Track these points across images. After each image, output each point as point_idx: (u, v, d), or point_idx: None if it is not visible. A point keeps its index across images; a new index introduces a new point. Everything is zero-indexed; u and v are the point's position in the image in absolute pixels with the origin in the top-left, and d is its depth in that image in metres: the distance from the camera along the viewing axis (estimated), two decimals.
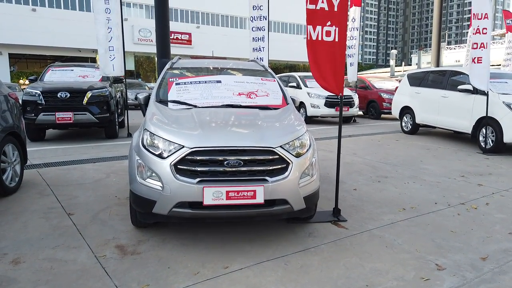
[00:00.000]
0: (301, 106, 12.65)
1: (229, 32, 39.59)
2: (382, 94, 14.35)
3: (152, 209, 3.11)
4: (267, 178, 3.09)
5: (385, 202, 4.53)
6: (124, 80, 9.77)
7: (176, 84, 4.14)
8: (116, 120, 9.12)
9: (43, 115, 7.94)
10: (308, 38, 3.71)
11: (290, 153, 3.18)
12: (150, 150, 3.17)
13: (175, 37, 36.57)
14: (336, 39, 3.68)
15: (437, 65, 17.18)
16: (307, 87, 12.94)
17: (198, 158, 3.02)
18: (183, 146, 3.04)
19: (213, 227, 3.66)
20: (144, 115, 4.13)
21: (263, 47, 10.51)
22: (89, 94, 8.19)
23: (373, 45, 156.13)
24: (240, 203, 3.01)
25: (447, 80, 9.12)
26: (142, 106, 4.19)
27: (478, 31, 7.36)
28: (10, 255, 3.08)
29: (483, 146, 7.85)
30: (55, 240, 3.36)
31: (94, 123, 8.36)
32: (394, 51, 52.35)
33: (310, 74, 12.95)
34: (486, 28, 7.37)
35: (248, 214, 3.10)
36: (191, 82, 4.18)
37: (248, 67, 4.74)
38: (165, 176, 3.03)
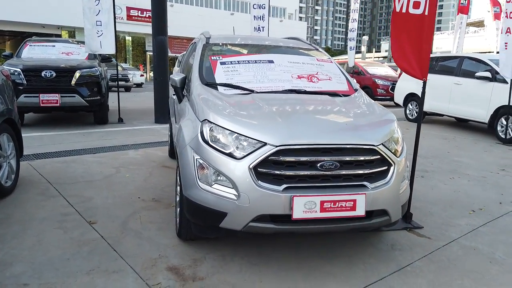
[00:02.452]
0: None
1: (205, 12, 38.05)
2: (376, 80, 13.95)
3: (220, 222, 2.43)
4: (366, 184, 2.46)
5: (446, 202, 4.03)
6: (112, 60, 8.76)
7: (221, 63, 3.40)
8: (107, 103, 8.16)
9: (25, 97, 6.88)
10: (393, 10, 3.07)
11: (391, 152, 2.57)
12: (217, 147, 2.46)
13: (146, 15, 34.82)
14: (426, 12, 3.05)
15: None
16: None
17: (285, 159, 2.35)
18: (265, 144, 2.36)
19: (272, 237, 3.01)
20: (180, 99, 3.38)
21: (263, 27, 9.79)
22: (77, 73, 7.19)
23: (342, 31, 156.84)
24: (337, 216, 2.38)
25: (460, 66, 8.74)
26: (178, 90, 3.43)
27: (507, 14, 6.94)
28: (33, 286, 2.31)
29: (503, 136, 7.54)
30: (86, 260, 2.62)
31: (83, 107, 7.39)
32: (365, 37, 52.35)
33: None
34: None
35: (343, 228, 2.48)
36: (238, 61, 3.45)
37: (295, 45, 4.05)
38: (241, 182, 2.34)
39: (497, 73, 7.79)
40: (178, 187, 2.90)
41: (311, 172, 2.38)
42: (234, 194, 2.37)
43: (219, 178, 2.43)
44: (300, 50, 3.91)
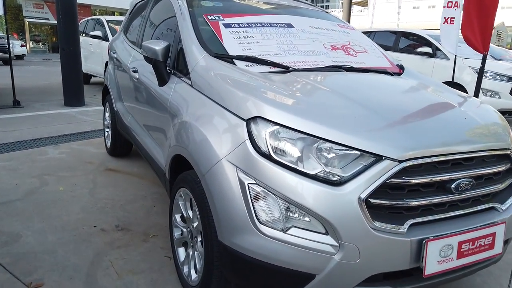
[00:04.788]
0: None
1: None
2: None
3: None
4: (496, 206, 1.70)
5: None
6: None
7: (226, 26, 2.30)
8: None
9: None
10: None
11: None
12: (290, 164, 1.45)
13: None
14: None
15: None
16: None
17: (411, 181, 1.45)
18: (381, 158, 1.42)
19: None
20: (163, 80, 2.25)
21: None
22: None
23: None
24: (475, 260, 1.58)
25: (397, 42, 8.57)
26: (160, 65, 2.25)
27: None
28: None
29: None
30: None
31: None
32: None
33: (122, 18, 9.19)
34: None
35: (472, 271, 1.70)
36: (248, 23, 2.37)
37: (301, 5, 3.07)
38: (345, 223, 1.39)
39: (438, 49, 7.74)
40: (198, 225, 1.81)
41: (442, 197, 1.53)
42: (332, 245, 1.41)
43: (295, 216, 1.44)
44: (313, 12, 2.95)
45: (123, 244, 2.37)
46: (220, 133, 1.67)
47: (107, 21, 8.88)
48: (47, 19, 31.53)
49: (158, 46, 2.21)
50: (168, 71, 2.31)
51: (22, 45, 22.79)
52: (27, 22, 32.09)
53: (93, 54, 9.09)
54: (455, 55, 7.11)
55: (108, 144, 4.00)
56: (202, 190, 1.71)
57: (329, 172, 1.42)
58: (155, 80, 2.39)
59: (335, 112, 1.59)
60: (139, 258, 2.24)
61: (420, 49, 7.88)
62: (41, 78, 11.48)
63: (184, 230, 2.01)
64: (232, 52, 2.12)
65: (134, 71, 2.88)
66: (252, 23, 2.39)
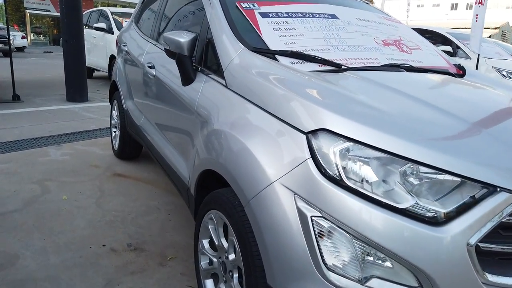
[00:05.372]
0: (112, 62, 7.89)
1: None
2: None
3: None
4: None
5: None
6: None
7: (263, 15, 1.94)
8: None
9: None
10: None
11: None
12: (369, 194, 1.11)
13: None
14: None
15: None
16: None
17: None
18: (496, 189, 1.08)
19: None
20: (189, 78, 1.91)
21: None
22: None
23: None
24: None
25: None
26: (186, 60, 1.90)
27: None
28: None
29: None
30: None
31: None
32: None
33: (130, 11, 9.08)
34: None
35: None
36: (287, 13, 2.02)
37: None
38: (447, 275, 1.06)
39: (458, 47, 7.40)
40: (236, 259, 1.47)
41: None
42: None
43: (377, 262, 1.10)
44: (353, 1, 2.59)
45: (138, 268, 2.04)
46: (270, 147, 1.32)
47: (112, 13, 8.51)
48: (49, 10, 31.13)
49: (184, 38, 1.87)
50: (194, 67, 1.97)
51: (22, 37, 22.39)
52: (28, 14, 31.70)
53: (96, 47, 8.73)
54: (478, 55, 6.77)
55: (116, 146, 3.66)
56: (244, 218, 1.36)
57: (424, 206, 1.08)
58: (177, 77, 2.04)
59: (422, 125, 1.24)
60: (155, 285, 1.91)
61: (440, 48, 7.53)
62: (42, 71, 11.12)
63: (214, 259, 1.67)
64: (273, 46, 1.77)
65: (150, 67, 2.53)
66: (292, 12, 2.04)
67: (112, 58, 8.05)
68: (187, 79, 1.94)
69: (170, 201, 2.86)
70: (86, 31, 8.43)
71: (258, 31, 1.84)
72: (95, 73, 9.88)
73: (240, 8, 1.97)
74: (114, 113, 3.74)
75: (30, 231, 2.32)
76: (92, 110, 5.83)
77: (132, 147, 3.50)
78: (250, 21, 1.89)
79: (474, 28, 6.67)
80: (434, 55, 2.27)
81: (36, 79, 9.10)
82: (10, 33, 7.49)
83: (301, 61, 1.71)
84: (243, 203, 1.37)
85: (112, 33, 8.04)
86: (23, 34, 23.60)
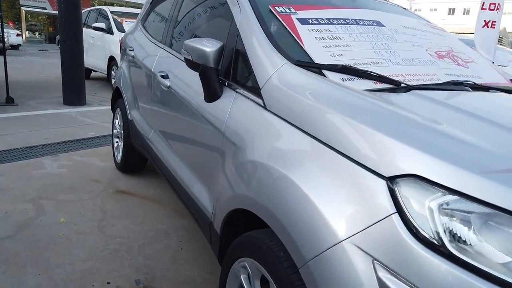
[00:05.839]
0: (111, 64, 7.74)
1: None
2: None
3: None
4: None
5: None
6: None
7: (302, 22, 1.66)
8: None
9: None
10: None
11: None
12: (486, 270, 0.82)
13: None
14: None
15: None
16: (124, 32, 7.34)
17: None
18: None
19: None
20: (214, 94, 1.62)
21: None
22: None
23: None
24: None
25: None
26: (211, 73, 1.62)
27: None
28: None
29: None
30: None
31: None
32: None
33: (130, 10, 8.92)
34: None
35: None
36: (328, 19, 1.74)
37: None
38: None
39: None
40: None
41: None
42: None
43: None
44: (391, 6, 2.32)
45: None
46: (335, 193, 1.03)
47: (111, 12, 8.19)
48: (45, 8, 30.64)
49: (209, 47, 1.58)
50: (220, 81, 1.68)
51: (17, 35, 21.94)
52: (23, 11, 31.19)
53: (95, 48, 8.41)
54: (492, 62, 6.53)
55: (118, 158, 3.35)
56: (298, 283, 1.08)
57: None
58: (198, 92, 1.76)
59: None
60: None
61: None
62: (38, 71, 10.77)
63: None
64: (318, 59, 1.49)
65: (163, 76, 2.23)
66: (333, 18, 1.76)
67: (111, 60, 7.74)
68: (212, 95, 1.65)
69: (181, 225, 2.56)
70: (84, 30, 8.12)
71: (299, 41, 1.55)
72: (93, 74, 9.55)
73: (275, 13, 1.69)
74: (117, 122, 3.44)
75: (23, 264, 2.01)
76: (91, 114, 5.51)
77: (137, 160, 3.20)
78: (288, 29, 1.61)
79: (482, 35, 6.42)
80: (490, 69, 2.00)
81: (31, 80, 8.76)
82: (5, 30, 7.16)
83: (352, 77, 1.43)
84: (297, 262, 1.08)
85: (112, 33, 7.72)
86: (18, 31, 23.13)
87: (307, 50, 1.52)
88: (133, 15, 8.49)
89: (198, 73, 1.65)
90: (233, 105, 1.55)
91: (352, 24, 1.77)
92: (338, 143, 1.09)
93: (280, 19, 1.65)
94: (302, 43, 1.55)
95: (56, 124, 4.79)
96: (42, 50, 22.39)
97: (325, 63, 1.47)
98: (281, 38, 1.58)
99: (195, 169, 1.89)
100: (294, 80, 1.36)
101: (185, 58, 1.71)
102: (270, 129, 1.33)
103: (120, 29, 7.77)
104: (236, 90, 1.60)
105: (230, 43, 1.72)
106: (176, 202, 2.88)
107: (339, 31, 1.68)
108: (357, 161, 1.02)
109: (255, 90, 1.47)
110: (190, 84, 1.91)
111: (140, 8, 11.32)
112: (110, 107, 3.56)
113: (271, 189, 1.21)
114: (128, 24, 8.01)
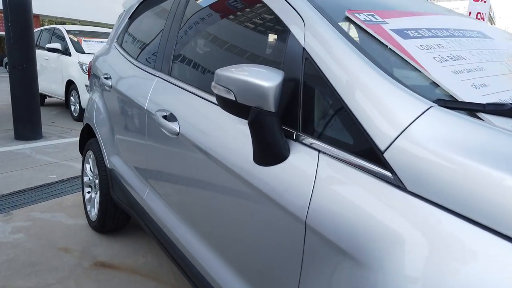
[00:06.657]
0: (70, 88, 6.89)
1: None
2: None
3: None
4: None
5: None
6: None
7: (403, 36, 1.07)
8: None
9: None
10: None
11: None
12: None
13: None
14: None
15: None
16: (83, 53, 6.90)
17: None
18: None
19: None
20: (277, 153, 0.97)
21: None
22: None
23: None
24: None
25: None
26: (273, 122, 0.99)
27: None
28: None
29: None
30: None
31: None
32: None
33: (88, 29, 7.91)
34: None
35: None
36: (429, 30, 1.17)
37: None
38: None
39: None
40: None
41: None
42: None
43: None
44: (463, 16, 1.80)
45: None
46: None
47: (68, 31, 7.34)
48: None
49: (268, 80, 0.96)
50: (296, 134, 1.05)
51: None
52: None
53: (49, 71, 7.50)
54: None
55: (92, 215, 2.61)
56: None
57: None
58: (238, 145, 1.13)
59: None
60: None
61: None
62: None
63: None
64: (461, 93, 0.91)
65: (165, 117, 1.57)
66: (433, 29, 1.19)
67: (70, 83, 6.88)
68: (270, 154, 1.02)
69: None
70: (36, 52, 7.21)
71: (419, 66, 0.96)
72: (48, 100, 8.59)
73: (360, 23, 1.09)
74: (88, 167, 2.71)
75: None
76: (49, 151, 4.67)
77: (118, 218, 2.48)
78: (393, 47, 1.02)
79: None
80: None
81: None
82: None
83: (501, 116, 0.86)
84: None
85: (69, 54, 6.87)
86: None
87: (439, 80, 0.93)
88: (92, 34, 7.66)
89: (236, 117, 1.03)
90: (320, 174, 0.93)
91: (458, 36, 1.21)
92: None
93: (373, 33, 1.06)
94: (424, 68, 0.96)
95: (7, 167, 3.94)
96: None
97: (474, 101, 0.89)
98: (386, 62, 0.98)
99: (243, 269, 1.22)
100: (453, 134, 0.76)
101: (218, 97, 1.08)
102: (426, 230, 0.72)
103: (79, 49, 6.94)
104: (313, 145, 0.98)
105: (289, 71, 1.10)
106: (177, 275, 2.19)
107: (455, 47, 1.11)
108: None
109: (366, 152, 0.86)
110: (218, 135, 1.27)
111: (96, 26, 10.44)
112: (71, 138, 2.84)
113: None
114: (87, 44, 7.19)
